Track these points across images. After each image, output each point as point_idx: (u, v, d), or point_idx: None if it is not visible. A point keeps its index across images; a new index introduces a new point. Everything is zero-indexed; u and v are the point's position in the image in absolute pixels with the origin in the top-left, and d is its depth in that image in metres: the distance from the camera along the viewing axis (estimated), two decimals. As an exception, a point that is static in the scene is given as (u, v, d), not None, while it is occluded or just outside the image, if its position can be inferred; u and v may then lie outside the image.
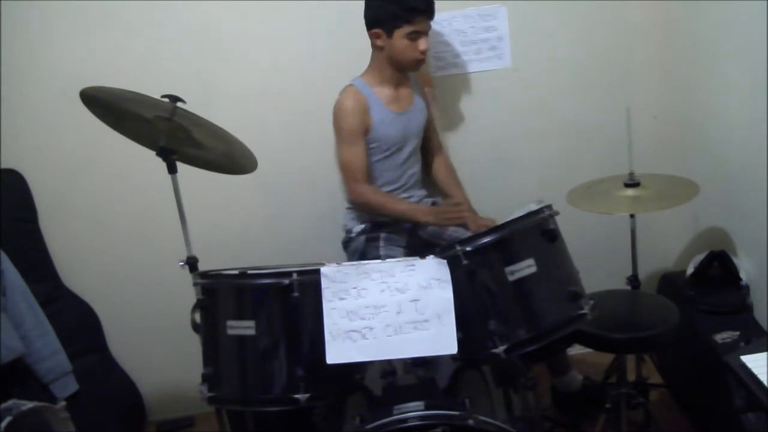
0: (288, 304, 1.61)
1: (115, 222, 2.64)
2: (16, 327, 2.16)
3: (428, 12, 2.27)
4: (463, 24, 2.54)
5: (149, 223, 2.61)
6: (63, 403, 2.12)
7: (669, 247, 2.77)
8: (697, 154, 2.51)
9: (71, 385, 2.30)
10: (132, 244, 2.66)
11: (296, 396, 1.60)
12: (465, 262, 1.62)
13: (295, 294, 1.60)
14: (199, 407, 2.49)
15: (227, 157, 1.99)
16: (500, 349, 1.62)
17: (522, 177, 2.72)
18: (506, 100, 2.66)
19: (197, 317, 1.73)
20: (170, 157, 1.87)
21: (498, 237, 1.66)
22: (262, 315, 1.64)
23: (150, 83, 1.84)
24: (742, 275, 2.22)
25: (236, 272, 1.73)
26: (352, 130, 2.33)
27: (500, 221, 1.73)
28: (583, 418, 2.38)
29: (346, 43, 2.47)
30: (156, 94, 1.77)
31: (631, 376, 2.24)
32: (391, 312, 1.57)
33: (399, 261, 1.61)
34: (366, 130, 2.34)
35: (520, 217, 1.72)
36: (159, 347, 2.72)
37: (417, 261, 1.61)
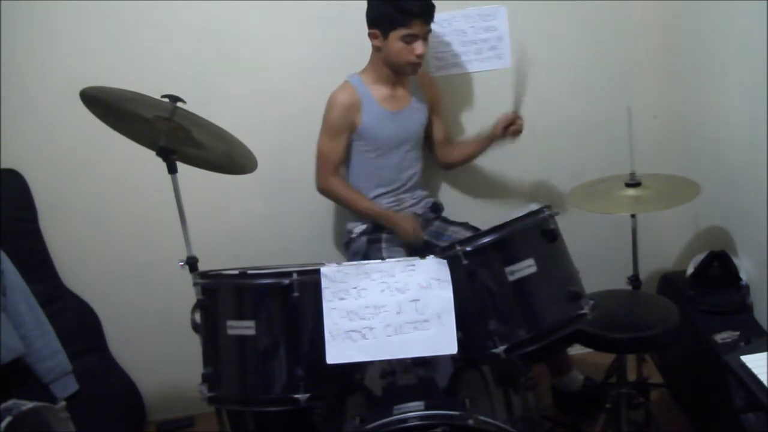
0: (288, 304, 1.61)
1: (115, 222, 2.64)
2: (16, 327, 2.16)
3: (425, 16, 2.24)
4: (463, 24, 2.54)
5: (149, 223, 2.61)
6: (63, 403, 2.12)
7: (669, 247, 2.77)
8: (698, 154, 2.51)
9: (71, 385, 2.30)
10: (132, 244, 2.66)
11: (296, 396, 1.59)
12: (465, 262, 1.62)
13: (295, 294, 1.59)
14: (199, 407, 2.48)
15: (227, 157, 1.99)
16: (500, 349, 1.62)
17: (522, 177, 2.72)
18: (506, 100, 2.65)
19: (197, 317, 1.73)
20: (170, 157, 1.87)
21: (498, 237, 1.66)
22: (262, 315, 1.64)
23: (150, 83, 1.84)
24: (742, 275, 2.22)
25: (236, 272, 1.73)
26: (337, 125, 2.35)
27: (500, 221, 1.73)
28: (584, 418, 2.38)
29: (347, 43, 2.46)
30: (156, 94, 1.77)
31: (632, 376, 2.24)
32: (391, 312, 1.57)
33: (399, 261, 1.61)
34: (352, 128, 2.36)
35: (520, 217, 1.72)
36: (159, 347, 2.72)
37: (417, 261, 1.61)
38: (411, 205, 2.47)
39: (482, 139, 2.50)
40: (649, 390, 2.39)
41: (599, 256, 2.57)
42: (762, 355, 1.48)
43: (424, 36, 2.28)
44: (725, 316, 2.18)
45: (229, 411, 2.00)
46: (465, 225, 2.49)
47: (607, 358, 2.33)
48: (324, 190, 2.44)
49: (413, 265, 1.60)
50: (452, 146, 2.61)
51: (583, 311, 1.69)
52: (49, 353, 2.25)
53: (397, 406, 1.61)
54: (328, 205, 2.65)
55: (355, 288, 1.58)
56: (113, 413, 2.53)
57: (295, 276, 1.60)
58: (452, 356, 1.61)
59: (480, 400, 1.71)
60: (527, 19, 2.56)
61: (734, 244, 2.31)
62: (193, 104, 1.81)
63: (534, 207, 1.75)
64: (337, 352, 1.55)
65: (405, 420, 1.57)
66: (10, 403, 1.91)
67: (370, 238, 2.42)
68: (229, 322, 1.65)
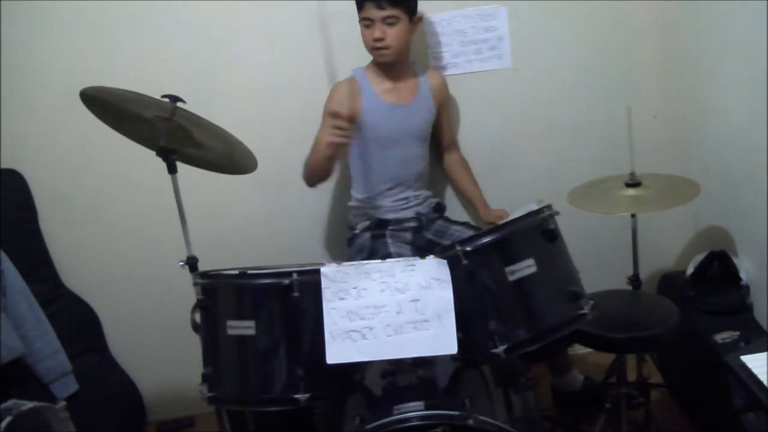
0: (288, 304, 1.60)
1: (115, 222, 2.64)
2: (16, 327, 2.16)
3: (375, 0, 2.21)
4: (463, 24, 2.54)
5: (149, 223, 2.61)
6: (63, 403, 2.12)
7: (669, 247, 2.77)
8: (698, 154, 2.51)
9: (71, 385, 2.30)
10: (132, 244, 2.66)
11: (296, 396, 1.59)
12: (465, 262, 1.62)
13: (295, 294, 1.59)
14: (199, 407, 2.49)
15: (227, 157, 1.99)
16: (500, 349, 1.62)
17: (522, 177, 2.72)
18: (506, 100, 2.66)
19: (197, 317, 1.73)
20: (170, 157, 1.87)
21: (498, 237, 1.66)
22: (262, 315, 1.64)
23: (150, 83, 1.84)
24: (742, 275, 2.22)
25: (236, 272, 1.72)
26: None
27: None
28: (584, 418, 2.39)
29: (347, 42, 2.46)
30: (156, 94, 1.77)
31: (632, 376, 2.24)
32: (391, 312, 1.56)
33: (399, 261, 1.61)
34: (352, 118, 2.30)
35: (520, 217, 1.72)
36: (159, 347, 2.72)
37: (417, 261, 1.60)
38: (415, 204, 2.47)
39: (475, 202, 2.57)
40: (649, 390, 2.38)
41: (599, 256, 2.57)
42: (762, 355, 1.48)
43: (385, 21, 2.24)
44: (725, 316, 2.18)
45: (229, 411, 2.00)
46: (466, 225, 2.50)
47: (607, 358, 2.32)
48: (305, 177, 2.37)
49: (413, 265, 1.60)
50: (459, 167, 2.62)
51: (583, 311, 1.69)
52: (49, 353, 2.25)
53: (397, 406, 1.61)
54: (328, 205, 2.65)
55: (355, 288, 1.58)
56: (113, 413, 2.53)
57: (295, 276, 1.60)
58: (452, 356, 1.61)
59: (480, 400, 1.71)
60: (527, 19, 2.57)
61: (734, 244, 2.31)
62: (193, 104, 1.81)
63: (534, 207, 1.75)
64: (337, 352, 1.55)
65: (405, 420, 1.58)
66: (10, 403, 1.91)
67: (373, 233, 2.41)
68: (229, 322, 1.64)
